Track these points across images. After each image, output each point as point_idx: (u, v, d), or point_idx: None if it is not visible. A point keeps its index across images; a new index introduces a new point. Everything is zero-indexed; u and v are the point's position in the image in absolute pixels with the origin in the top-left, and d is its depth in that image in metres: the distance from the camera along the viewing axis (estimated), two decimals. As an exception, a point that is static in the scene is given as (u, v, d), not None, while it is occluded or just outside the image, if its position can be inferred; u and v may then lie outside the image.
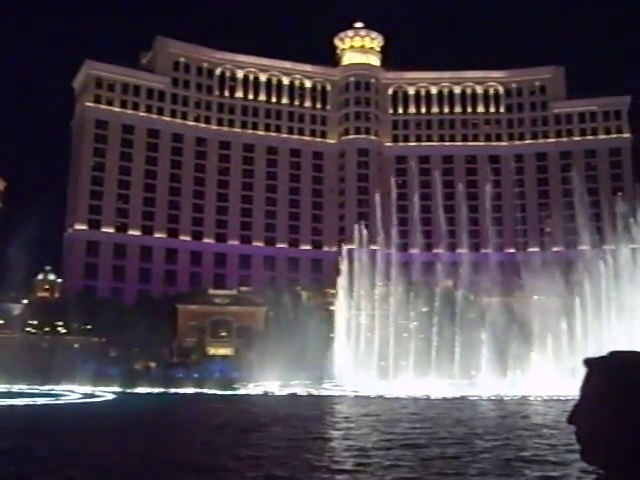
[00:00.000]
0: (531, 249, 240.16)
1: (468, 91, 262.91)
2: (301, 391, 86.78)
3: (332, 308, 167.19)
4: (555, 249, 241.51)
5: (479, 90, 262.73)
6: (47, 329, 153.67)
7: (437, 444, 33.89)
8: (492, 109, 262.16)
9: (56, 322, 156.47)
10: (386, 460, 27.99)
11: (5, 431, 38.12)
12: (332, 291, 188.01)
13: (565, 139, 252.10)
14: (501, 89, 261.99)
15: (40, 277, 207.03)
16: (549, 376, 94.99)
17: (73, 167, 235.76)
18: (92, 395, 70.85)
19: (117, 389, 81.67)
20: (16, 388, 78.31)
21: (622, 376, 2.54)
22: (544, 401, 72.59)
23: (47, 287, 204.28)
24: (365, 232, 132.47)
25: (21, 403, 58.67)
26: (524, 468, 26.10)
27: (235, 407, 63.31)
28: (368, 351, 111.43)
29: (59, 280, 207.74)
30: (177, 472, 24.82)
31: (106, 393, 74.89)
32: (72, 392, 73.98)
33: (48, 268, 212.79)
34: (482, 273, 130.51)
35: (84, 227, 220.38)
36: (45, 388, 79.46)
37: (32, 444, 31.88)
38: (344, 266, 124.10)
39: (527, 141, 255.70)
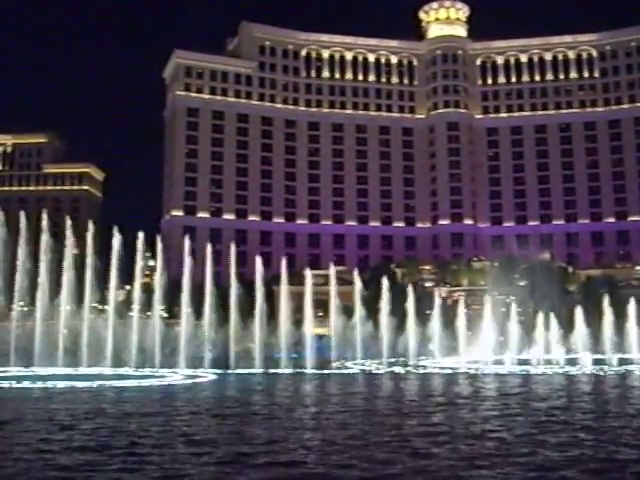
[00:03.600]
0: (633, 218, 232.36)
1: (559, 57, 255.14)
2: (399, 369, 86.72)
3: (427, 285, 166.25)
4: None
5: (571, 55, 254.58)
6: (149, 314, 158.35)
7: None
8: (586, 74, 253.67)
9: (158, 306, 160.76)
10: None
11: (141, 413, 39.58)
12: (427, 267, 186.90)
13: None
14: (594, 52, 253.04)
15: (140, 263, 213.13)
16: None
17: (167, 155, 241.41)
18: (194, 376, 72.75)
19: (218, 370, 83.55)
20: (122, 370, 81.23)
21: None
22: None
23: (147, 273, 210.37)
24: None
25: (132, 384, 60.84)
26: None
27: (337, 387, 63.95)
28: (464, 327, 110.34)
29: (159, 266, 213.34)
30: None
31: (207, 374, 76.76)
32: (175, 373, 76.20)
33: (148, 255, 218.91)
34: (580, 245, 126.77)
35: (180, 213, 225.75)
36: (149, 370, 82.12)
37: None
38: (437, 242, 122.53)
39: (624, 105, 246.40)
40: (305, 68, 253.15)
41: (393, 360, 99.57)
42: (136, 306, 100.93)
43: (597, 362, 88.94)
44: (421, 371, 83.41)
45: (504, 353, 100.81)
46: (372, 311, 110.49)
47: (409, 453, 24.54)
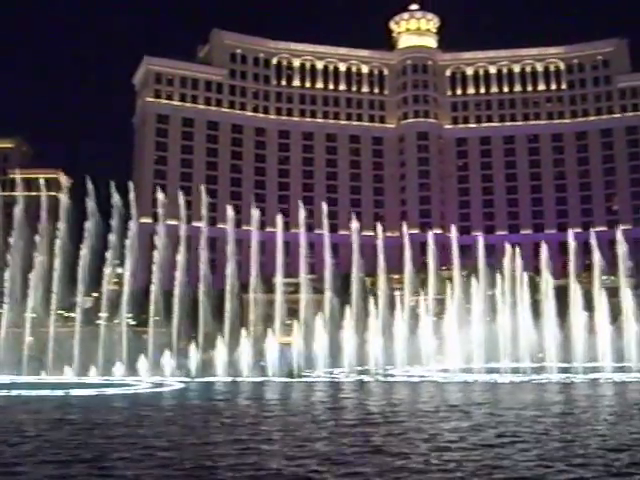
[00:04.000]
0: (598, 228, 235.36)
1: (528, 69, 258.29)
2: (368, 378, 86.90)
3: (395, 294, 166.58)
4: (623, 227, 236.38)
5: (539, 67, 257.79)
6: (117, 321, 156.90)
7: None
8: (553, 86, 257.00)
9: (125, 314, 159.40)
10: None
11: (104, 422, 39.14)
12: (395, 277, 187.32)
13: (631, 114, 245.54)
14: (562, 65, 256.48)
15: (108, 271, 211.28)
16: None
17: (136, 162, 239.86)
18: (161, 384, 72.23)
19: (185, 378, 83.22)
20: (88, 379, 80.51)
21: None
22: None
23: (116, 280, 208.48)
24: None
25: (98, 393, 60.13)
26: None
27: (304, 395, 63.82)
28: (430, 336, 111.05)
29: (127, 273, 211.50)
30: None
31: (174, 382, 76.33)
32: (141, 382, 75.64)
33: (116, 262, 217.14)
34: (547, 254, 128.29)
35: (149, 220, 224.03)
36: (115, 378, 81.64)
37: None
38: (407, 251, 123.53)
39: (591, 117, 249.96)
40: (276, 76, 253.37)
41: (362, 369, 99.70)
42: (103, 314, 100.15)
43: (564, 370, 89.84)
44: (390, 380, 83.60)
45: (472, 362, 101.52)
46: (341, 319, 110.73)
47: (378, 463, 24.54)
